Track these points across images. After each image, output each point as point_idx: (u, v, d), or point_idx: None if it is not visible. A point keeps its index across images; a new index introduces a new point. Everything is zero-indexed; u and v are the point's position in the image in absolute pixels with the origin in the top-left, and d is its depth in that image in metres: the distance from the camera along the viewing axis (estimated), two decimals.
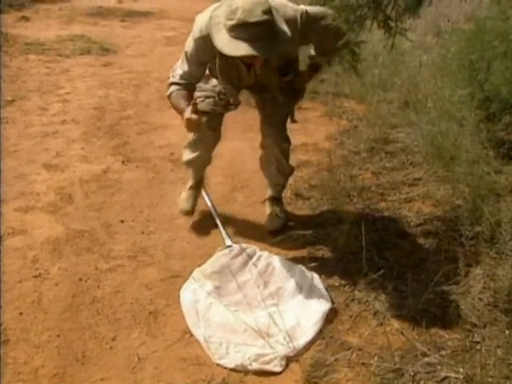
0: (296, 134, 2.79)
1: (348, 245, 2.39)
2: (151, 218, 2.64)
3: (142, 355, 1.85)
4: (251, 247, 2.34)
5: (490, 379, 1.73)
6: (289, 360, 1.83)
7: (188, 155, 2.57)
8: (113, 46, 5.53)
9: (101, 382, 1.75)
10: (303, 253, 2.38)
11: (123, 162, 3.17)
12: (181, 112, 2.14)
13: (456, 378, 1.74)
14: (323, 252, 2.38)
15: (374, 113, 3.88)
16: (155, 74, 4.76)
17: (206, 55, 2.13)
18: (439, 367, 1.79)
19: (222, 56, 2.06)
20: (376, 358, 1.84)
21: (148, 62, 5.11)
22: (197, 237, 2.51)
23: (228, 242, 2.41)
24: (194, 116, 2.05)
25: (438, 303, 2.07)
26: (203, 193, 2.79)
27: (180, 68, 2.22)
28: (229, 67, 2.20)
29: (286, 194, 2.81)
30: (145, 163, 3.17)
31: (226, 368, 1.80)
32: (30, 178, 2.97)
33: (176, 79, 2.21)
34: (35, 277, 2.22)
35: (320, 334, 1.93)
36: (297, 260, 2.30)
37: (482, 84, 3.16)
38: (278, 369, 1.80)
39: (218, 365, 1.81)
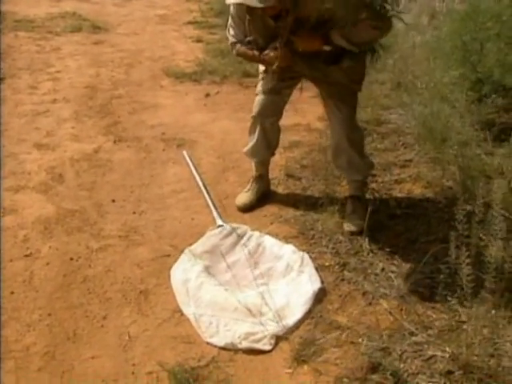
0: (288, 114, 2.78)
1: (338, 226, 2.41)
2: (142, 198, 2.64)
3: (132, 334, 1.87)
4: (242, 227, 2.35)
5: (475, 358, 1.76)
6: (278, 338, 1.85)
7: (248, 145, 2.58)
8: (104, 23, 5.46)
9: (92, 360, 1.77)
10: (294, 233, 2.39)
11: (114, 142, 3.15)
12: (257, 60, 2.31)
13: (442, 357, 1.78)
14: (314, 232, 2.39)
15: (366, 94, 3.85)
16: (147, 52, 4.71)
17: (242, 11, 2.17)
18: (426, 346, 1.83)
19: (248, 11, 2.10)
20: (364, 337, 1.86)
21: (140, 41, 5.06)
22: (188, 216, 2.51)
23: (219, 221, 2.41)
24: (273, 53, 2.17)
25: (426, 283, 2.10)
26: (194, 171, 2.79)
27: (231, 28, 2.33)
28: (257, 24, 2.21)
29: (278, 174, 2.81)
30: (136, 143, 3.16)
31: (215, 346, 1.82)
32: (20, 158, 2.96)
33: (234, 39, 2.34)
34: (26, 256, 2.22)
35: (309, 313, 1.95)
36: (287, 240, 2.32)
37: (474, 65, 3.15)
38: (267, 347, 1.82)
39: (208, 343, 1.83)
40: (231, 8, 2.26)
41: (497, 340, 1.85)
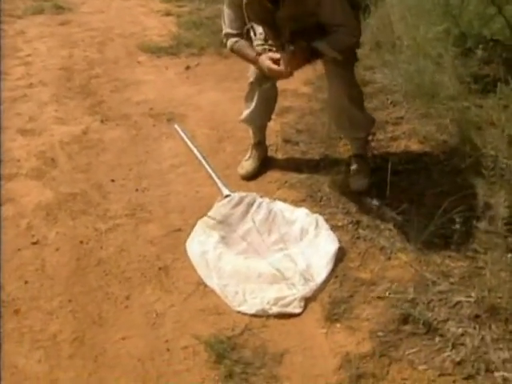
0: None
1: (345, 186, 2.41)
2: (142, 175, 2.58)
3: (159, 311, 1.84)
4: (251, 195, 2.32)
5: (498, 300, 1.80)
6: (307, 300, 1.86)
7: (244, 112, 2.52)
8: (67, 3, 5.22)
9: (123, 341, 1.74)
10: (302, 196, 2.38)
11: (102, 122, 3.05)
12: (253, 62, 2.21)
13: (467, 302, 1.82)
14: (321, 194, 2.38)
15: None
16: (117, 30, 4.55)
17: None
18: (450, 294, 1.86)
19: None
20: (390, 291, 1.89)
21: (107, 18, 4.88)
22: (192, 190, 2.47)
23: (225, 191, 2.38)
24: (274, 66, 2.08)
25: (439, 234, 2.12)
26: (190, 144, 2.74)
27: (225, 15, 2.21)
28: (255, 8, 2.10)
29: (275, 140, 2.78)
30: (125, 121, 3.07)
31: (246, 314, 1.82)
32: (6, 145, 2.84)
33: (228, 29, 2.22)
34: (33, 244, 2.15)
35: (333, 273, 1.96)
36: (297, 204, 2.31)
37: (456, 19, 3.16)
38: (297, 310, 1.82)
39: (238, 312, 1.83)
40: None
41: None
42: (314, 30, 2.11)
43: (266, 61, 2.10)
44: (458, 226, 2.16)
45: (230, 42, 2.23)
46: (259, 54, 2.15)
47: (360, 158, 2.49)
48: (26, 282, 1.97)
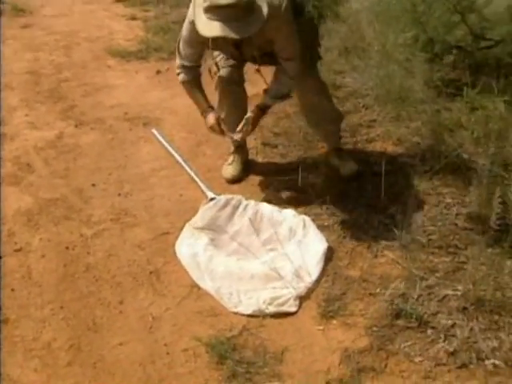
0: (247, 85, 2.76)
1: (327, 186, 2.46)
2: (123, 179, 2.55)
3: (155, 314, 1.83)
4: (236, 197, 2.33)
5: (483, 292, 1.89)
6: (301, 299, 1.89)
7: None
8: (26, 6, 5.06)
9: (120, 346, 1.72)
10: (285, 199, 2.42)
11: (76, 126, 2.99)
12: (201, 112, 2.31)
13: (455, 295, 1.90)
14: (305, 195, 2.42)
15: None
16: (83, 33, 4.46)
17: (200, 36, 2.05)
18: (437, 288, 1.94)
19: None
20: (381, 287, 1.95)
21: (71, 22, 4.77)
22: (176, 193, 2.46)
23: (210, 194, 2.38)
24: (217, 127, 2.25)
25: (421, 232, 2.21)
26: (169, 147, 2.72)
27: (182, 48, 2.21)
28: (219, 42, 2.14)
29: (254, 143, 2.81)
30: (99, 125, 3.02)
31: (243, 315, 1.83)
32: None
33: (182, 61, 2.23)
34: (17, 251, 2.09)
35: (324, 271, 2.00)
36: (281, 206, 2.33)
37: (424, 26, 3.29)
38: (293, 309, 1.85)
39: (235, 313, 1.83)
40: (184, 30, 2.15)
41: (496, 275, 1.99)
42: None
43: (211, 120, 2.25)
44: (438, 224, 2.27)
45: (184, 76, 2.25)
46: (206, 111, 2.27)
47: (340, 151, 2.60)
48: (13, 290, 1.91)
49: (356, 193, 2.42)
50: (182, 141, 2.88)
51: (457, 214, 2.34)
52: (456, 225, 2.29)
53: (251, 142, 2.79)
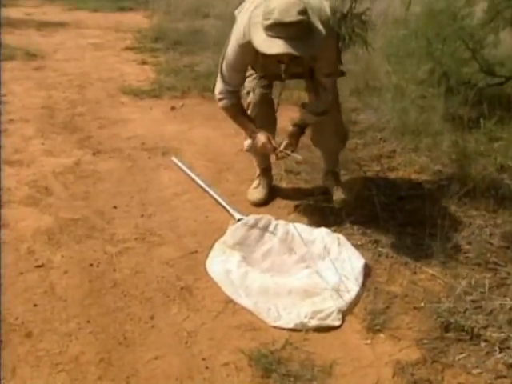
0: None
1: (355, 208, 2.40)
2: (145, 202, 2.47)
3: (189, 329, 1.71)
4: (265, 217, 2.25)
5: None
6: (343, 314, 1.78)
7: (245, 142, 2.43)
8: (38, 51, 5.14)
9: (156, 360, 1.59)
10: (314, 219, 2.35)
11: (94, 154, 2.94)
12: (249, 134, 2.27)
13: (503, 309, 1.81)
14: (335, 217, 2.35)
15: None
16: (95, 75, 4.51)
17: (250, 57, 2.09)
18: (484, 302, 1.85)
19: (263, 56, 2.00)
20: (424, 301, 1.85)
21: (83, 65, 4.83)
22: (201, 215, 2.38)
23: (237, 215, 2.30)
24: (270, 145, 2.20)
25: (458, 250, 2.14)
26: (190, 173, 2.67)
27: (225, 72, 2.17)
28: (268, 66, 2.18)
29: (278, 170, 2.76)
30: (118, 153, 2.97)
31: (284, 329, 1.71)
32: None
33: (226, 86, 2.19)
34: (38, 267, 1.98)
35: (364, 287, 1.91)
36: (311, 226, 2.26)
37: (439, 60, 3.35)
38: (337, 323, 1.75)
39: (275, 327, 1.72)
40: (229, 54, 2.11)
41: None
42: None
43: (262, 138, 2.19)
44: (474, 243, 2.21)
45: (228, 101, 2.21)
46: (255, 132, 2.22)
47: (336, 175, 2.59)
48: (36, 305, 1.78)
49: (385, 214, 2.36)
50: (203, 168, 2.83)
51: (490, 234, 2.30)
52: (491, 244, 2.24)
53: (275, 169, 2.75)
